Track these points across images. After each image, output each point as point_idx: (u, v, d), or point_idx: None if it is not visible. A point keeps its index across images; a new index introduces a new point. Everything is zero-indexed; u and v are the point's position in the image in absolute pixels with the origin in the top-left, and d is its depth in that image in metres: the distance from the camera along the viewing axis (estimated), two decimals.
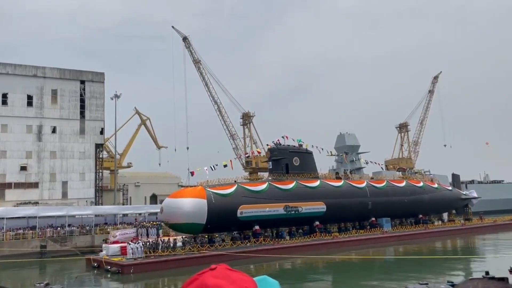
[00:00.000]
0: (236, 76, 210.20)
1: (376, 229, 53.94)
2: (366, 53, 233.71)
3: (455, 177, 76.98)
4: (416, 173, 77.52)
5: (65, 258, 44.75)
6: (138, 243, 37.72)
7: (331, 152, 69.25)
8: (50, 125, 72.06)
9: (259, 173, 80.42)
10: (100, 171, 76.78)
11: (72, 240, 53.86)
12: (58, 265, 41.86)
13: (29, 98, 71.20)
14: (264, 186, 48.04)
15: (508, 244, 50.04)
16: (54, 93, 73.07)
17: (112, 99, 73.60)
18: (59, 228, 55.09)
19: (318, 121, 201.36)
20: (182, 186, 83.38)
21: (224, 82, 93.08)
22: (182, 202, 41.43)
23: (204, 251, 39.20)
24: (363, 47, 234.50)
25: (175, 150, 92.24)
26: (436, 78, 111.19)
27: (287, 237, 47.87)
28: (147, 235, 41.63)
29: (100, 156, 77.96)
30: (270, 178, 51.46)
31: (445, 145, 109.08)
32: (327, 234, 49.69)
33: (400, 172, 79.66)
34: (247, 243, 43.68)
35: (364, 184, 56.81)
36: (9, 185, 67.35)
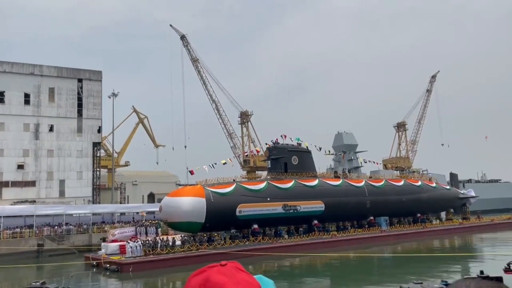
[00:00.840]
0: (235, 75, 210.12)
1: (375, 228, 54.01)
2: (365, 52, 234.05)
3: (453, 176, 77.19)
4: (413, 172, 77.64)
5: (63, 257, 44.61)
6: (137, 241, 37.63)
7: (329, 151, 69.31)
8: (47, 124, 71.74)
9: (257, 172, 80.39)
10: (98, 169, 76.56)
11: (70, 238, 53.70)
12: (56, 264, 41.65)
13: (26, 96, 70.86)
14: (263, 185, 48.01)
15: (505, 243, 50.23)
16: (51, 91, 72.73)
17: (109, 97, 73.50)
18: (56, 227, 54.93)
19: (316, 120, 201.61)
20: (180, 185, 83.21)
21: (222, 81, 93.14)
22: (181, 201, 41.35)
23: (203, 250, 39.15)
24: (361, 47, 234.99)
25: (173, 149, 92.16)
26: (434, 77, 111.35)
27: (286, 236, 47.88)
28: (146, 233, 41.53)
29: (98, 154, 77.74)
30: (269, 177, 51.42)
31: (442, 144, 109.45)
32: (325, 233, 49.73)
33: (398, 171, 79.87)
34: (246, 242, 43.64)
35: (362, 183, 56.87)
36: (6, 184, 67.01)
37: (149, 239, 39.02)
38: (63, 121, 72.82)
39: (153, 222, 45.21)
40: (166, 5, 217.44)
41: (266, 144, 54.65)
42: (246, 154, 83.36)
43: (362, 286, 28.86)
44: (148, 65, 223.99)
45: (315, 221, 50.21)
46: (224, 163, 49.48)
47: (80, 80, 75.55)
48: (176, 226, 42.44)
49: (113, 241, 40.96)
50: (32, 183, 68.98)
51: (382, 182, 59.04)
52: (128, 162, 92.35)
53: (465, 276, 1.64)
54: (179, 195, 43.00)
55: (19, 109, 69.95)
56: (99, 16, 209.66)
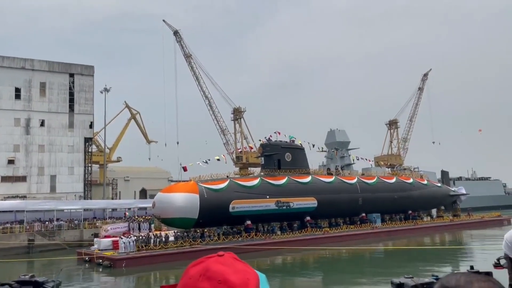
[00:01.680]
0: (228, 72, 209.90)
1: (366, 224, 54.37)
2: (358, 50, 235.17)
3: (444, 173, 77.92)
4: (405, 169, 78.23)
5: (54, 253, 44.30)
6: (130, 237, 37.49)
7: (322, 148, 69.58)
8: (39, 118, 71.12)
9: (249, 168, 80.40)
10: (89, 165, 76.11)
11: (60, 234, 53.34)
12: (48, 259, 41.40)
13: (17, 91, 70.14)
14: (256, 181, 48.08)
15: (495, 240, 50.75)
16: (42, 86, 72.07)
17: (101, 92, 72.92)
18: (47, 222, 54.53)
19: (308, 117, 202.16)
20: (172, 181, 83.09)
21: (215, 77, 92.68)
22: (175, 196, 41.28)
23: (196, 246, 39.13)
24: (354, 44, 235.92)
25: (165, 145, 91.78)
26: (426, 75, 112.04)
27: (279, 232, 48.02)
28: (139, 229, 41.40)
29: (89, 150, 77.23)
30: (262, 173, 51.49)
31: (433, 142, 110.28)
32: (318, 229, 49.96)
33: (389, 169, 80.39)
34: (238, 238, 43.70)
35: (355, 180, 57.18)
36: None
37: (142, 235, 38.88)
38: (55, 116, 72.19)
39: (147, 218, 45.04)
40: (158, 0, 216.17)
41: (260, 140, 54.72)
42: (239, 150, 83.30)
43: (354, 281, 29.08)
44: (141, 61, 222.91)
45: (308, 218, 50.40)
46: (218, 159, 49.43)
47: (71, 75, 74.93)
48: (169, 222, 42.34)
49: (106, 236, 40.76)
50: (22, 178, 68.39)
51: (375, 179, 59.41)
52: (120, 158, 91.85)
53: (455, 271, 1.68)
54: (172, 191, 42.91)
55: (10, 104, 69.20)
56: (91, 11, 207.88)
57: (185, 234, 41.18)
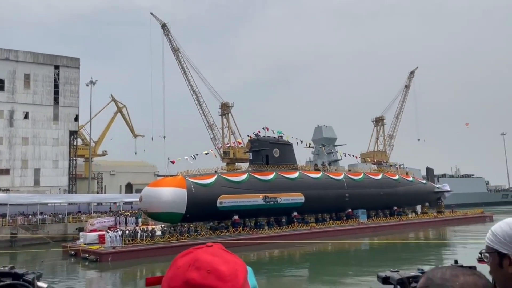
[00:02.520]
0: (216, 67, 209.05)
1: (352, 220, 54.83)
2: (346, 47, 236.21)
3: (429, 171, 78.84)
4: (391, 166, 79.03)
5: (37, 247, 43.66)
6: (117, 231, 37.15)
7: (309, 144, 69.75)
8: (23, 111, 69.85)
9: (236, 164, 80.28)
10: (74, 158, 75.07)
11: (44, 228, 52.57)
12: (34, 251, 40.80)
13: (1, 82, 68.74)
14: (244, 176, 48.04)
15: (477, 236, 51.64)
16: (27, 77, 70.73)
17: (87, 85, 71.86)
18: (30, 216, 53.72)
19: (296, 113, 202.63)
20: (158, 176, 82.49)
21: (203, 72, 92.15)
22: (162, 191, 41.01)
23: (183, 240, 38.96)
24: (343, 42, 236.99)
25: (152, 139, 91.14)
26: (412, 73, 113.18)
27: (266, 227, 48.13)
28: (126, 223, 41.05)
29: (75, 143, 76.17)
30: (250, 168, 51.47)
31: (418, 139, 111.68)
32: (304, 225, 50.21)
33: (375, 165, 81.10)
34: (226, 232, 43.67)
35: (341, 176, 57.54)
36: None
37: (129, 229, 38.56)
38: (39, 108, 70.96)
39: (134, 212, 44.68)
40: None
41: (248, 136, 54.64)
42: (228, 145, 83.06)
43: (340, 275, 29.33)
44: (128, 54, 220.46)
45: (295, 213, 50.61)
46: (207, 154, 49.22)
47: (57, 67, 73.67)
48: (157, 217, 42.09)
49: (92, 230, 40.32)
50: (5, 171, 67.15)
51: (361, 176, 59.88)
52: (105, 151, 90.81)
53: (440, 265, 1.66)
54: (160, 186, 42.63)
55: None
56: (77, 2, 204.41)
57: (173, 228, 41.00)
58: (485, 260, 1.79)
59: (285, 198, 49.17)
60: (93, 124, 76.19)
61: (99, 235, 38.37)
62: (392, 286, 1.75)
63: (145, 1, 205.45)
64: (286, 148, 54.78)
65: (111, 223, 41.97)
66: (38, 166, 69.83)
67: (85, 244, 38.21)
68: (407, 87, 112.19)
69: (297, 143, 58.58)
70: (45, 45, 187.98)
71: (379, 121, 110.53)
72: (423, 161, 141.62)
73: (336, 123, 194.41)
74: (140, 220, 43.63)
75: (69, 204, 57.76)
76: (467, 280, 1.42)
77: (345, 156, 68.36)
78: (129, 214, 43.45)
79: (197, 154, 49.47)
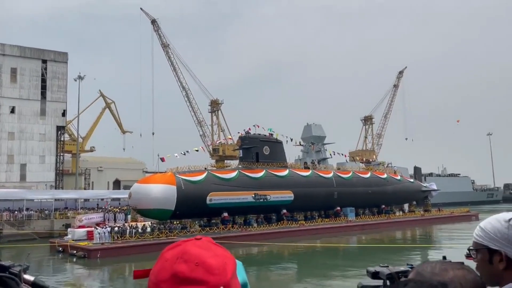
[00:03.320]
0: (206, 63, 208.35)
1: (341, 218, 55.18)
2: (336, 46, 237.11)
3: (417, 170, 79.69)
4: (379, 164, 79.69)
5: (23, 243, 43.06)
6: (106, 227, 36.83)
7: (299, 142, 69.94)
8: (9, 105, 68.71)
9: (226, 161, 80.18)
10: (61, 154, 74.13)
11: (30, 224, 51.88)
12: (18, 249, 40.24)
13: None
14: (234, 174, 48.03)
15: (463, 234, 52.37)
16: (13, 71, 69.55)
17: (75, 80, 70.95)
18: (16, 212, 52.97)
19: (286, 111, 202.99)
20: (147, 172, 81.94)
21: (193, 68, 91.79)
22: (151, 188, 40.78)
23: (172, 237, 38.79)
24: (332, 40, 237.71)
25: (141, 135, 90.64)
26: (401, 73, 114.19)
27: (255, 225, 48.19)
28: (115, 220, 40.72)
29: (62, 138, 75.22)
30: (240, 166, 51.46)
31: (406, 139, 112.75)
32: (293, 222, 50.38)
33: (364, 164, 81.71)
34: (215, 229, 43.61)
35: (331, 175, 57.85)
36: None
37: (118, 226, 38.26)
38: (26, 103, 69.89)
39: (123, 208, 44.33)
40: None
41: (239, 133, 54.58)
42: (218, 142, 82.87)
43: (329, 271, 29.51)
44: (117, 49, 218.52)
45: (284, 211, 50.76)
46: (197, 150, 49.05)
47: (44, 61, 72.59)
48: (146, 213, 41.86)
49: (79, 227, 39.90)
50: None
51: (350, 174, 60.28)
52: (93, 147, 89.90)
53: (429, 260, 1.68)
54: (149, 182, 42.39)
55: None
56: None
57: (162, 225, 40.80)
58: (473, 256, 1.78)
59: (274, 195, 49.28)
60: (81, 119, 75.36)
61: (88, 231, 38.00)
62: (382, 281, 1.75)
63: None
64: (276, 146, 54.86)
65: (99, 219, 41.60)
66: (25, 162, 68.83)
67: (73, 240, 37.81)
68: (395, 86, 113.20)
69: (286, 141, 58.74)
70: (33, 39, 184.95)
71: (367, 120, 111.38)
72: (411, 160, 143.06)
73: (326, 122, 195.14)
74: (129, 216, 43.29)
75: (55, 200, 57.08)
76: (457, 274, 1.43)
77: (334, 154, 68.70)
78: (118, 211, 43.07)
79: (187, 151, 49.26)
